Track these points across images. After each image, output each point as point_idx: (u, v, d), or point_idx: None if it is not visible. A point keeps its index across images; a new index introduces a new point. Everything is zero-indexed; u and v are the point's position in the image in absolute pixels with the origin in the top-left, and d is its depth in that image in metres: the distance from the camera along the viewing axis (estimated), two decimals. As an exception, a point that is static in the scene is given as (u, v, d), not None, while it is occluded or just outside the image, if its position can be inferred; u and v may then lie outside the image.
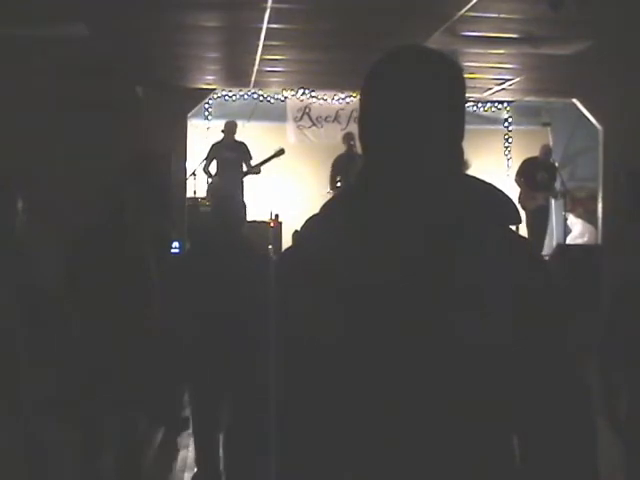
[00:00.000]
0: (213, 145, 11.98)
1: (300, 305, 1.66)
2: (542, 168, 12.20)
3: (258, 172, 11.95)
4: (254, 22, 7.84)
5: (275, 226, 12.03)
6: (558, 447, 1.64)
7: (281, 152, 11.86)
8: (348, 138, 11.95)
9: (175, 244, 10.33)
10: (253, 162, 12.01)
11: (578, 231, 13.15)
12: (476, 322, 1.59)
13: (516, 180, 12.26)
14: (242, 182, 11.79)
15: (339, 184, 11.86)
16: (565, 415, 1.65)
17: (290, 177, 13.22)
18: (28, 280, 4.98)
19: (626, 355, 3.91)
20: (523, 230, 11.28)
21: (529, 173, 12.13)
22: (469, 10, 7.27)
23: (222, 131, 12.15)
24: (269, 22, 7.81)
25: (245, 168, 11.93)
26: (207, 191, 11.89)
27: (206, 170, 11.86)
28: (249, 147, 12.26)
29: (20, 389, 4.97)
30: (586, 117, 12.00)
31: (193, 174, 11.85)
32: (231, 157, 11.86)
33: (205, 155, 11.89)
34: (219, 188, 11.45)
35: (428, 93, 1.67)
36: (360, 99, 1.72)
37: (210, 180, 11.85)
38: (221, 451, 5.24)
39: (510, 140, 13.90)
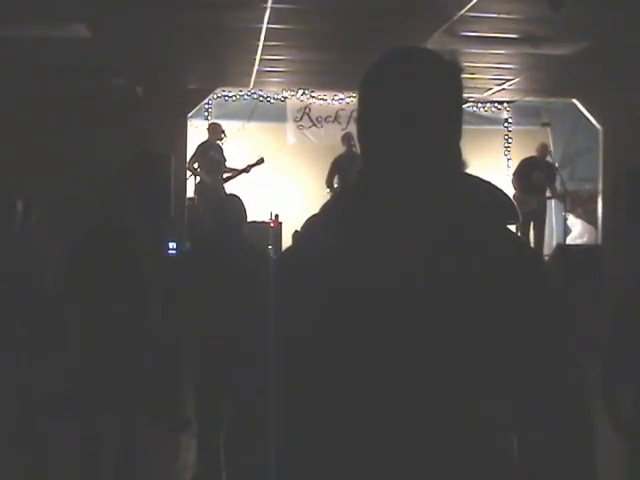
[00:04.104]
0: (200, 145, 11.91)
1: (299, 305, 1.66)
2: (538, 168, 12.15)
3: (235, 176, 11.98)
4: (254, 22, 7.85)
5: (275, 226, 12.03)
6: (557, 447, 1.64)
7: (261, 161, 11.90)
8: (348, 138, 11.94)
9: (172, 245, 10.32)
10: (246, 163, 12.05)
11: (578, 231, 13.15)
12: (475, 322, 1.59)
13: (512, 182, 12.22)
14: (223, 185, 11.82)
15: (336, 184, 11.86)
16: (564, 415, 1.65)
17: (290, 177, 13.22)
18: (28, 280, 4.99)
19: (628, 354, 3.91)
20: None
21: (525, 174, 12.06)
22: (469, 10, 7.27)
23: (209, 130, 12.07)
24: (269, 22, 7.82)
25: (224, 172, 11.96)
26: (197, 191, 11.81)
27: (193, 168, 11.76)
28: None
29: (20, 389, 4.97)
30: (586, 117, 12.00)
31: (193, 174, 11.82)
32: (218, 159, 11.85)
33: (192, 153, 11.80)
34: (214, 189, 11.40)
35: (426, 93, 1.68)
36: (358, 100, 1.73)
37: (199, 179, 11.77)
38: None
39: (510, 140, 13.89)
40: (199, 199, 11.68)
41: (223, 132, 12.00)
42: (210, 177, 11.66)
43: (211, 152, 11.76)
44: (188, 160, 11.64)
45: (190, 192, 11.86)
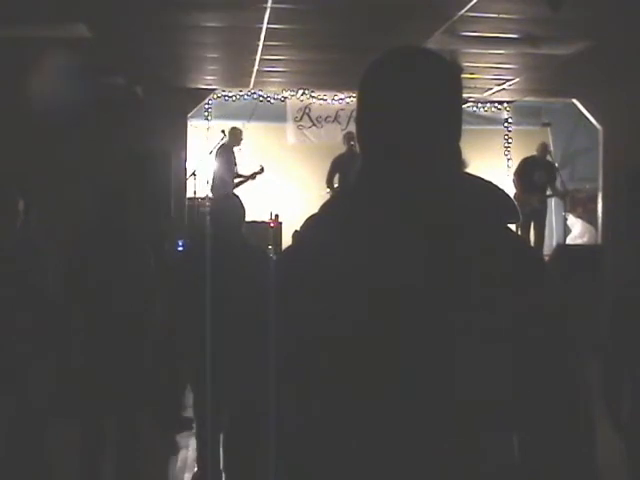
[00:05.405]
0: (221, 146, 11.98)
1: (300, 304, 1.66)
2: (540, 167, 12.18)
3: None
4: (254, 22, 7.85)
5: (275, 226, 12.04)
6: (557, 448, 1.64)
7: (261, 170, 12.06)
8: (349, 138, 11.96)
9: (179, 242, 10.34)
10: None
11: (578, 231, 13.15)
12: (475, 322, 1.59)
13: (513, 180, 12.25)
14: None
15: (336, 184, 11.87)
16: (565, 416, 1.65)
17: (290, 177, 13.24)
18: (29, 280, 4.99)
19: (629, 354, 3.91)
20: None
21: (526, 173, 12.09)
22: (469, 10, 7.27)
23: (230, 134, 12.12)
24: (269, 22, 7.82)
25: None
26: (213, 190, 11.85)
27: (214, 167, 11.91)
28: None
29: (21, 388, 4.97)
30: (586, 117, 12.00)
31: (193, 174, 11.84)
32: (233, 161, 11.96)
33: (215, 153, 11.90)
34: (228, 189, 11.49)
35: (426, 93, 1.67)
36: (357, 99, 1.73)
37: (214, 178, 11.81)
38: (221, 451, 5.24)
39: (510, 140, 13.90)
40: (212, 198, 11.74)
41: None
42: (226, 177, 11.75)
43: (229, 154, 11.87)
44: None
45: (190, 192, 11.88)
